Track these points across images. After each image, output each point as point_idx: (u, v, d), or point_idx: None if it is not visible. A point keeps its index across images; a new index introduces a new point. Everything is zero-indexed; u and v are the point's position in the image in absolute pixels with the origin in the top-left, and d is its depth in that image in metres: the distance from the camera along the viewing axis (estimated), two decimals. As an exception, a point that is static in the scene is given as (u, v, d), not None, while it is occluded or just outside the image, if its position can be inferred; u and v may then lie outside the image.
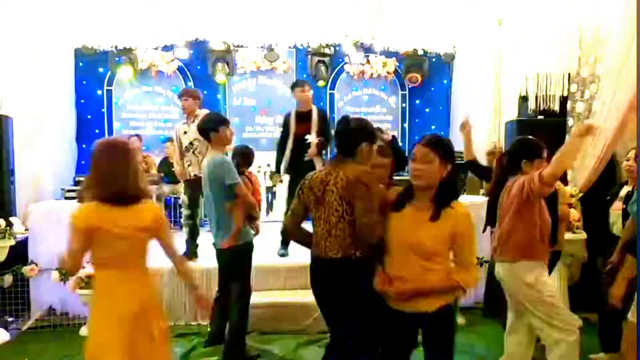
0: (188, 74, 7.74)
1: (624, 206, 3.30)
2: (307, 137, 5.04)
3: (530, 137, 3.13)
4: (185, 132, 4.90)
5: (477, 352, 3.89)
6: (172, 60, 7.55)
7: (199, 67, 7.70)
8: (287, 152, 5.12)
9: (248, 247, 3.55)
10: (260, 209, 3.87)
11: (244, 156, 3.92)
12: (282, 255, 4.96)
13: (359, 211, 2.33)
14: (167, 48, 7.34)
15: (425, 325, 2.29)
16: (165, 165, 7.19)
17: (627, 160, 3.51)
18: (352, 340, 2.46)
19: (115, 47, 7.02)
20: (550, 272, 3.72)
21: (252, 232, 3.66)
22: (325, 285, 2.53)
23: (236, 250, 3.48)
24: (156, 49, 7.38)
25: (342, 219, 2.40)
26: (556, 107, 5.39)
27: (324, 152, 5.25)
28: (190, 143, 4.84)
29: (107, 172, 2.24)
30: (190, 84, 7.70)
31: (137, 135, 7.13)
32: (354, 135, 2.48)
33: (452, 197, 2.24)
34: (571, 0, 5.23)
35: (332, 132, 4.92)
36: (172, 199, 7.34)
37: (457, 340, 2.36)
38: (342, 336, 2.52)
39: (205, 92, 7.59)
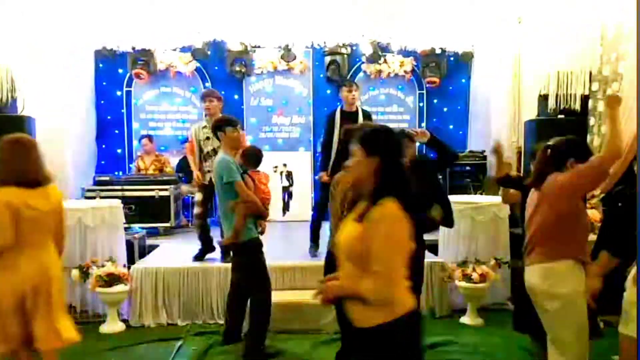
0: (206, 74, 7.80)
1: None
2: None
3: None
4: (208, 138, 4.87)
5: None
6: (190, 61, 7.61)
7: (216, 67, 7.76)
8: (332, 154, 4.90)
9: (252, 245, 3.58)
10: (267, 208, 3.88)
11: (247, 156, 3.98)
12: (314, 255, 4.98)
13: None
14: (185, 49, 7.40)
15: (362, 343, 1.93)
16: (185, 164, 7.25)
17: None
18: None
19: (134, 49, 7.11)
20: None
21: (255, 230, 3.66)
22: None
23: (240, 247, 3.56)
24: (174, 50, 7.46)
25: None
26: (577, 106, 5.30)
27: None
28: (214, 149, 4.78)
29: (10, 160, 2.66)
30: (208, 84, 7.74)
31: (148, 136, 7.21)
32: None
33: (383, 194, 1.86)
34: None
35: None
36: (191, 199, 7.40)
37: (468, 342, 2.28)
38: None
39: (223, 92, 7.68)
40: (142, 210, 6.19)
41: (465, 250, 4.75)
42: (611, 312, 3.92)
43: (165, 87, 7.78)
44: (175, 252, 5.33)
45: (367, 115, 5.14)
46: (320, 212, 5.10)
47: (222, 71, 7.70)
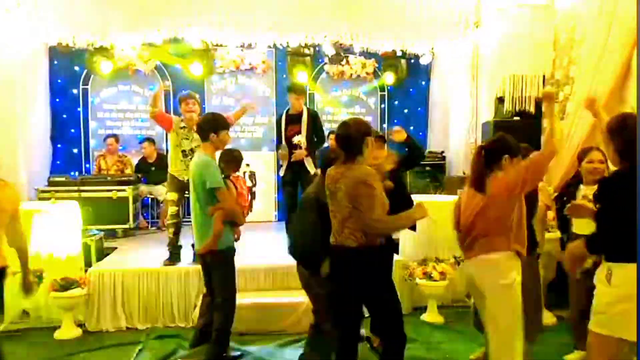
0: (166, 72, 7.66)
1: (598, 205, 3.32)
2: (295, 138, 5.28)
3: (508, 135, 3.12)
4: (186, 138, 4.72)
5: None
6: (150, 59, 7.46)
7: (177, 65, 7.62)
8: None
9: (228, 252, 3.51)
10: (246, 214, 3.81)
11: (230, 160, 3.82)
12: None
13: (364, 209, 2.59)
14: (145, 47, 7.23)
15: None
16: (143, 165, 7.11)
17: (591, 162, 3.52)
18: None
19: (92, 45, 6.90)
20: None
21: (232, 237, 3.61)
22: (342, 271, 2.76)
23: (216, 255, 3.45)
24: (133, 47, 7.28)
25: (351, 215, 2.65)
26: (531, 108, 5.49)
27: (314, 152, 5.41)
28: (192, 149, 4.64)
29: None
30: (169, 82, 7.62)
31: (114, 135, 7.04)
32: (353, 138, 2.71)
33: None
34: (546, 2, 5.34)
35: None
36: (150, 200, 7.26)
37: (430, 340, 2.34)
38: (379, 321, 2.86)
39: (183, 91, 7.53)
40: (99, 212, 6.02)
41: (426, 249, 4.84)
42: (562, 307, 4.13)
43: (124, 85, 7.60)
44: (134, 255, 5.22)
45: (312, 116, 5.40)
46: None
47: (182, 69, 7.57)
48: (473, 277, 2.85)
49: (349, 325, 2.86)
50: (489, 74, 6.14)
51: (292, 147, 5.42)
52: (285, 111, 5.45)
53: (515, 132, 3.19)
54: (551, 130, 2.72)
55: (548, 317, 4.27)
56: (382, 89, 8.22)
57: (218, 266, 3.50)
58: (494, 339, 2.80)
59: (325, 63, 7.97)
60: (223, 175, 3.53)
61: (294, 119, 5.34)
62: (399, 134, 3.75)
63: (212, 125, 3.47)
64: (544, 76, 5.44)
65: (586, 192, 3.50)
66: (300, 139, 5.29)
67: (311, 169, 5.28)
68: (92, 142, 7.55)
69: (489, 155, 2.81)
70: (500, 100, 5.68)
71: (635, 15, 2.72)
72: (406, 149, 3.83)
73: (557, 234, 4.17)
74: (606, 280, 2.22)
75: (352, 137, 2.71)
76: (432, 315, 4.59)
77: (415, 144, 3.86)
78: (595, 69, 4.62)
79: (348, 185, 2.65)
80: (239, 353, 3.79)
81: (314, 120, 5.37)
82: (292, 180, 5.50)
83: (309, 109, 5.54)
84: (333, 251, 2.80)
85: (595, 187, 3.44)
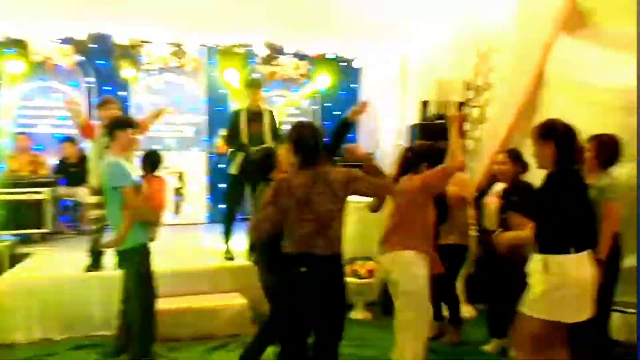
0: (89, 68, 7.30)
1: (503, 201, 3.56)
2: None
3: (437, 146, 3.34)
4: (107, 147, 4.49)
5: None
6: (71, 54, 7.07)
7: (100, 62, 7.28)
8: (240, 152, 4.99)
9: (137, 252, 3.40)
10: (162, 214, 3.70)
11: (146, 160, 3.76)
12: (230, 258, 4.85)
13: (373, 187, 2.70)
14: (66, 41, 6.86)
15: None
16: (63, 166, 6.72)
17: (497, 163, 3.80)
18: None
19: (7, 38, 6.46)
20: (460, 264, 4.03)
21: (145, 236, 3.49)
22: (312, 282, 2.61)
23: (124, 254, 3.38)
24: (53, 41, 6.88)
25: (336, 218, 2.60)
26: (454, 112, 5.73)
27: None
28: None
29: None
30: (91, 79, 7.26)
31: (24, 133, 6.60)
32: (318, 142, 2.68)
33: None
34: (469, 12, 5.60)
35: None
36: (70, 202, 6.86)
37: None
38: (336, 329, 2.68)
39: (107, 88, 7.23)
40: (12, 216, 5.62)
41: (354, 247, 4.91)
42: (482, 301, 4.34)
43: (42, 80, 7.15)
44: (51, 261, 4.91)
45: (273, 116, 5.19)
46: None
47: (106, 66, 7.24)
48: (387, 270, 3.10)
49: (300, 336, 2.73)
50: (416, 79, 6.36)
51: (253, 145, 4.93)
52: (245, 107, 5.19)
53: (439, 135, 3.34)
54: (455, 148, 2.96)
55: (468, 311, 4.48)
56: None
57: (126, 265, 3.43)
58: (402, 327, 3.05)
59: (258, 63, 7.91)
60: (140, 175, 3.52)
61: (254, 116, 5.05)
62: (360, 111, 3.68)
63: (121, 125, 3.48)
64: (466, 82, 5.70)
65: (497, 189, 3.75)
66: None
67: None
68: (5, 141, 7.04)
69: (412, 159, 3.13)
70: (426, 104, 5.89)
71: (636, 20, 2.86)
72: None
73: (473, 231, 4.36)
74: (544, 270, 2.41)
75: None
76: (360, 313, 4.68)
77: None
78: (512, 76, 4.91)
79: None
80: None
81: (275, 119, 5.18)
82: (245, 180, 5.21)
83: (268, 108, 5.29)
84: (296, 262, 2.62)
85: (504, 184, 3.73)
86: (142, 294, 3.41)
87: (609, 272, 3.10)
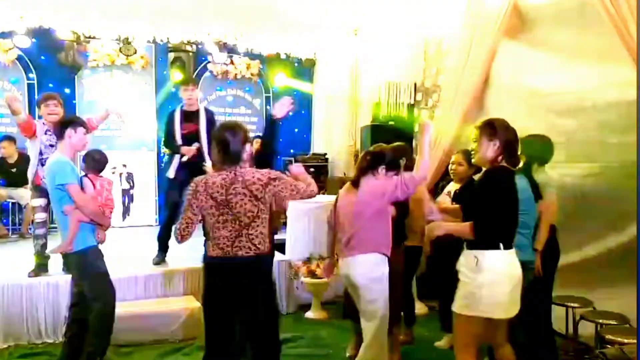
0: (30, 64, 6.97)
1: (453, 202, 3.71)
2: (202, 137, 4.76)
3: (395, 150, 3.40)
4: (51, 145, 4.23)
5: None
6: (10, 49, 6.73)
7: (43, 57, 6.98)
8: (177, 154, 4.78)
9: (88, 253, 3.30)
10: (109, 216, 3.58)
11: (90, 160, 3.60)
12: (158, 263, 4.69)
13: (292, 193, 2.61)
14: (4, 35, 6.52)
15: None
16: (2, 166, 6.39)
17: (452, 164, 3.93)
18: (271, 337, 2.68)
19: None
20: (417, 265, 4.12)
21: (93, 238, 3.39)
22: (237, 284, 2.58)
23: (74, 257, 3.27)
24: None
25: (256, 219, 2.55)
26: (404, 114, 5.90)
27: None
28: None
29: None
30: (33, 75, 6.95)
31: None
32: (239, 141, 2.62)
33: None
34: (418, 16, 5.77)
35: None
36: (10, 204, 6.55)
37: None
38: (262, 335, 2.67)
39: (50, 85, 6.93)
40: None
41: (310, 247, 4.96)
42: (433, 298, 4.49)
43: (-21, 76, 6.78)
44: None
45: (210, 115, 4.97)
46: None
47: (49, 61, 6.94)
48: (349, 274, 3.13)
49: (224, 340, 2.71)
50: (367, 80, 6.48)
51: (187, 146, 4.81)
52: (179, 107, 5.00)
53: (390, 135, 3.43)
54: (422, 160, 2.95)
55: (420, 308, 4.61)
56: (266, 90, 8.27)
57: (77, 268, 3.33)
58: (369, 327, 3.09)
59: (209, 61, 7.80)
60: (82, 174, 3.40)
61: (189, 116, 4.85)
62: (284, 107, 3.29)
63: (73, 124, 3.34)
64: (415, 84, 5.87)
65: (449, 189, 3.89)
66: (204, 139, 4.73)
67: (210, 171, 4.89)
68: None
69: (372, 161, 3.16)
70: (377, 105, 6.02)
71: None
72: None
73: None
74: (474, 266, 2.46)
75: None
76: (316, 312, 4.73)
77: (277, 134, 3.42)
78: (459, 79, 5.09)
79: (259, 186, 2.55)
80: None
81: (212, 118, 4.93)
82: (182, 183, 5.04)
83: (206, 108, 5.08)
84: (218, 264, 2.61)
85: (457, 185, 3.88)
86: (96, 296, 3.31)
87: (549, 265, 3.30)
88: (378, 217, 3.08)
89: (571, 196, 3.79)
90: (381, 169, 3.14)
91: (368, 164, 3.17)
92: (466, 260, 2.52)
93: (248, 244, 2.55)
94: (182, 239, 2.69)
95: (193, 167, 4.52)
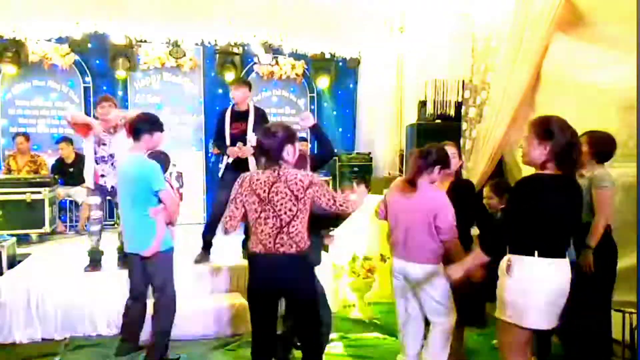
0: (86, 68, 7.29)
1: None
2: (248, 137, 4.73)
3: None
4: (104, 144, 4.45)
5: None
6: (67, 54, 7.06)
7: (97, 61, 7.28)
8: (227, 152, 4.79)
9: (170, 253, 3.47)
10: (177, 216, 3.70)
11: (158, 161, 3.71)
12: (199, 261, 4.75)
13: (328, 203, 2.65)
14: (61, 40, 6.85)
15: None
16: (60, 166, 6.71)
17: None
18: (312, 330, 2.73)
19: (1, 38, 6.44)
20: None
21: (172, 238, 3.53)
22: (279, 279, 2.64)
23: (159, 257, 3.39)
24: (49, 40, 6.87)
25: (295, 218, 2.59)
26: (452, 112, 5.77)
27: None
28: (111, 155, 4.43)
29: None
30: (88, 79, 7.27)
31: (24, 134, 6.58)
32: (277, 142, 2.65)
33: None
34: (465, 12, 5.63)
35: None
36: (67, 202, 6.87)
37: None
38: (304, 331, 2.73)
39: (104, 87, 7.23)
40: (11, 216, 5.62)
41: (354, 247, 4.94)
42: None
43: (39, 80, 7.15)
44: (51, 261, 4.91)
45: (260, 114, 4.93)
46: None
47: (103, 65, 7.24)
48: (412, 277, 3.06)
49: (269, 330, 2.79)
50: (413, 79, 6.38)
51: (235, 146, 4.80)
52: (230, 106, 5.07)
53: (437, 134, 3.37)
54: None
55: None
56: (311, 90, 8.31)
57: (160, 268, 3.44)
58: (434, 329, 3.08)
59: (255, 63, 7.92)
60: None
61: (239, 116, 4.84)
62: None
63: (147, 126, 3.42)
64: (463, 81, 5.73)
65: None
66: (252, 137, 4.66)
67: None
68: (2, 141, 7.04)
69: (428, 160, 3.07)
70: (423, 103, 5.92)
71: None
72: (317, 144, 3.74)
73: (475, 231, 4.41)
74: (505, 269, 2.36)
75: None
76: (360, 312, 4.70)
77: (325, 137, 3.60)
78: (509, 76, 4.93)
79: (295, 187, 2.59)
80: (178, 356, 3.67)
81: (263, 118, 4.89)
82: (229, 183, 4.99)
83: (256, 106, 5.05)
84: (261, 259, 2.67)
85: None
86: (169, 294, 3.49)
87: (606, 268, 3.15)
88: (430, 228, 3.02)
89: (631, 195, 3.60)
90: (437, 168, 3.08)
91: (424, 162, 3.07)
92: (502, 262, 2.43)
93: (289, 241, 2.60)
94: (226, 231, 2.80)
95: (241, 167, 4.58)
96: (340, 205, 2.66)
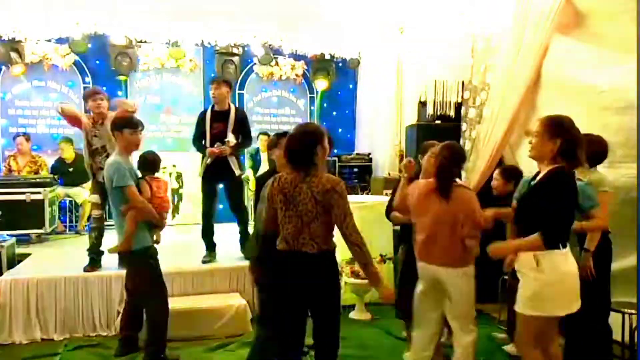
0: (85, 68, 7.29)
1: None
2: (228, 139, 4.74)
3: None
4: (95, 136, 4.51)
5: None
6: (67, 54, 7.06)
7: (97, 62, 7.29)
8: (207, 153, 4.81)
9: (145, 253, 3.43)
10: (164, 217, 3.69)
11: (143, 162, 3.72)
12: (207, 261, 4.76)
13: (337, 217, 2.59)
14: (61, 40, 6.85)
15: None
16: (60, 166, 6.71)
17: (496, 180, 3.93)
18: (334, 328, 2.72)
19: (0, 38, 6.44)
20: None
21: (150, 238, 3.50)
22: (301, 278, 2.66)
23: (133, 256, 3.40)
24: (49, 41, 6.87)
25: (315, 219, 2.61)
26: (452, 113, 5.77)
27: (239, 152, 5.04)
28: (103, 147, 4.48)
29: None
30: (88, 79, 7.27)
31: (24, 134, 6.58)
32: (308, 147, 2.64)
33: None
34: (465, 12, 5.63)
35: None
36: (67, 202, 6.87)
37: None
38: (323, 331, 2.71)
39: (104, 88, 7.22)
40: (11, 216, 5.62)
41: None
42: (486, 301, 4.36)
43: (39, 80, 7.15)
44: (49, 261, 4.91)
45: (240, 115, 4.92)
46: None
47: (103, 66, 7.24)
48: (440, 281, 2.96)
49: (293, 333, 2.77)
50: (413, 79, 6.38)
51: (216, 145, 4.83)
52: (210, 107, 5.06)
53: (437, 135, 3.35)
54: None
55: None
56: (311, 90, 8.32)
57: (135, 267, 3.47)
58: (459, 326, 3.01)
59: (255, 63, 7.92)
60: (139, 176, 3.54)
61: (219, 116, 4.82)
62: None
63: (120, 126, 3.50)
64: (462, 82, 5.73)
65: None
66: (231, 137, 4.74)
67: (236, 170, 5.01)
68: (2, 141, 7.04)
69: (451, 163, 2.96)
70: (423, 104, 5.92)
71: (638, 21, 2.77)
72: None
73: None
74: (535, 266, 2.46)
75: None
76: (360, 313, 4.71)
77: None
78: (508, 76, 4.93)
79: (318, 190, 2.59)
80: (177, 356, 3.70)
81: (242, 118, 4.96)
82: (211, 180, 4.98)
83: (236, 106, 5.07)
84: (285, 257, 2.69)
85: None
86: (152, 295, 3.45)
87: (602, 266, 3.16)
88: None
89: (629, 197, 3.60)
90: (457, 172, 3.06)
91: (448, 165, 2.97)
92: (526, 260, 2.51)
93: (311, 241, 2.62)
94: (264, 231, 2.83)
95: (221, 166, 4.68)
96: (347, 229, 2.60)
